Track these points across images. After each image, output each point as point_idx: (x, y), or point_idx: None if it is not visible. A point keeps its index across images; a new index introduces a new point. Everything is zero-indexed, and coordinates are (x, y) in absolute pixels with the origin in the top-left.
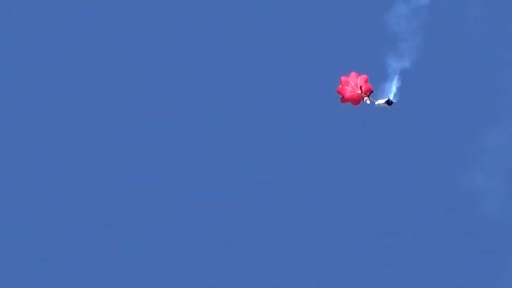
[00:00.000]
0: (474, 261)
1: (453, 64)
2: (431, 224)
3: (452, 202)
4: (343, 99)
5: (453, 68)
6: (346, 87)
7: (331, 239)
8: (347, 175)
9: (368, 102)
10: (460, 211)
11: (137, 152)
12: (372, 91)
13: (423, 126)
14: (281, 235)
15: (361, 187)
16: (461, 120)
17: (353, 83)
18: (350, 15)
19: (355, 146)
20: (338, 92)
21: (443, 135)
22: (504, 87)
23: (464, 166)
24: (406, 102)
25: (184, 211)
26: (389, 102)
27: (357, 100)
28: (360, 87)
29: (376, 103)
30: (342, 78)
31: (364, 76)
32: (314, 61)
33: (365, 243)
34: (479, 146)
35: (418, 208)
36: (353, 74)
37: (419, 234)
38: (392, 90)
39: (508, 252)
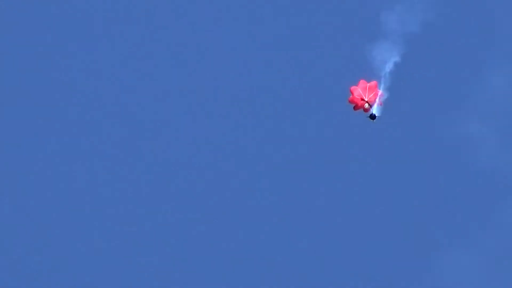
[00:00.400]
0: (468, 208)
1: (455, 13)
2: (427, 171)
3: (447, 149)
4: (355, 108)
5: (452, 14)
6: (356, 96)
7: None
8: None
9: (367, 107)
10: (455, 158)
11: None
12: (379, 97)
13: (421, 75)
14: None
15: (362, 142)
16: (459, 67)
17: (361, 91)
18: None
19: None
20: (350, 102)
21: (441, 82)
22: (503, 34)
23: (461, 113)
24: (413, 55)
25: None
26: (372, 116)
27: (366, 108)
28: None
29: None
30: (352, 87)
31: (373, 83)
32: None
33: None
34: (477, 92)
35: (413, 154)
36: (361, 81)
37: (415, 180)
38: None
39: (501, 199)
